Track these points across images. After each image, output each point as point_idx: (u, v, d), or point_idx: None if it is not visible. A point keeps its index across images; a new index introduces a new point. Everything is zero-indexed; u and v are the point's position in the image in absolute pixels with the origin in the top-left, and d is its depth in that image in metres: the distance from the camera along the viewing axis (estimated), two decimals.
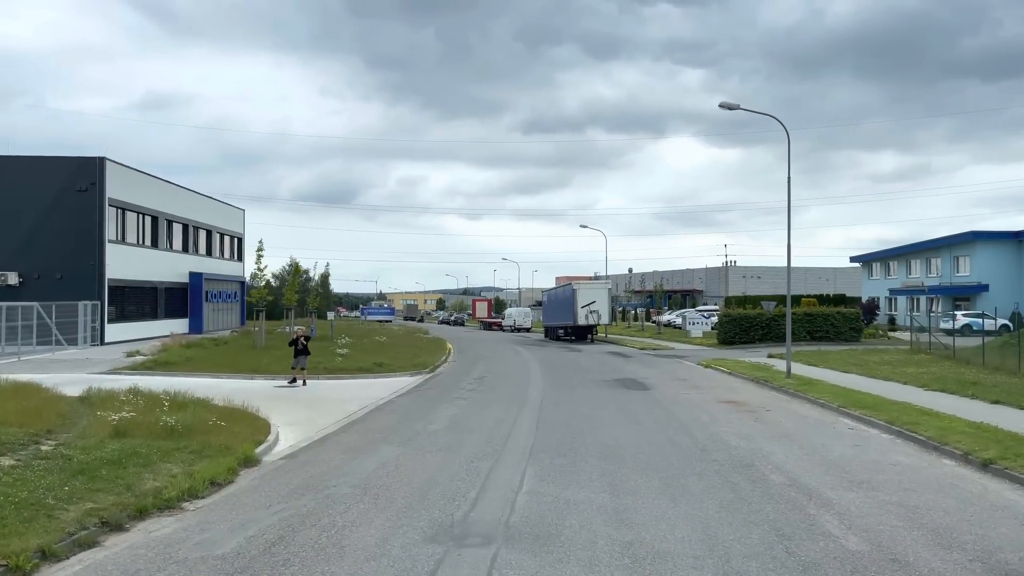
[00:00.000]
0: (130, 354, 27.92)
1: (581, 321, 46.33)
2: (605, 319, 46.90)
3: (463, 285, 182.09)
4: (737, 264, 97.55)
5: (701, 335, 46.99)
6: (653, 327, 59.76)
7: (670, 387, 21.34)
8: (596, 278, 51.09)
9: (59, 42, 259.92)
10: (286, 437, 13.56)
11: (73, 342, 31.59)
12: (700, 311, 56.37)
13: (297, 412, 16.62)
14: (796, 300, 54.74)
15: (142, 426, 11.95)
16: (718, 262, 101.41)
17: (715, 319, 48.89)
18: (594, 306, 46.35)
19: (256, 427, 13.35)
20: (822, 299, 57.83)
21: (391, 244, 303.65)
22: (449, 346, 41.25)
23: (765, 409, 16.81)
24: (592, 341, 47.91)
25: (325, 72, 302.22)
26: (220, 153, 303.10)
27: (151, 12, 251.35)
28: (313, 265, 71.13)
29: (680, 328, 55.85)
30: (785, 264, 24.25)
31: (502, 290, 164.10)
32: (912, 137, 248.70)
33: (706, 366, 28.02)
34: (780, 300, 46.70)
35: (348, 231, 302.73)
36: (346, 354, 28.81)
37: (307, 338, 22.79)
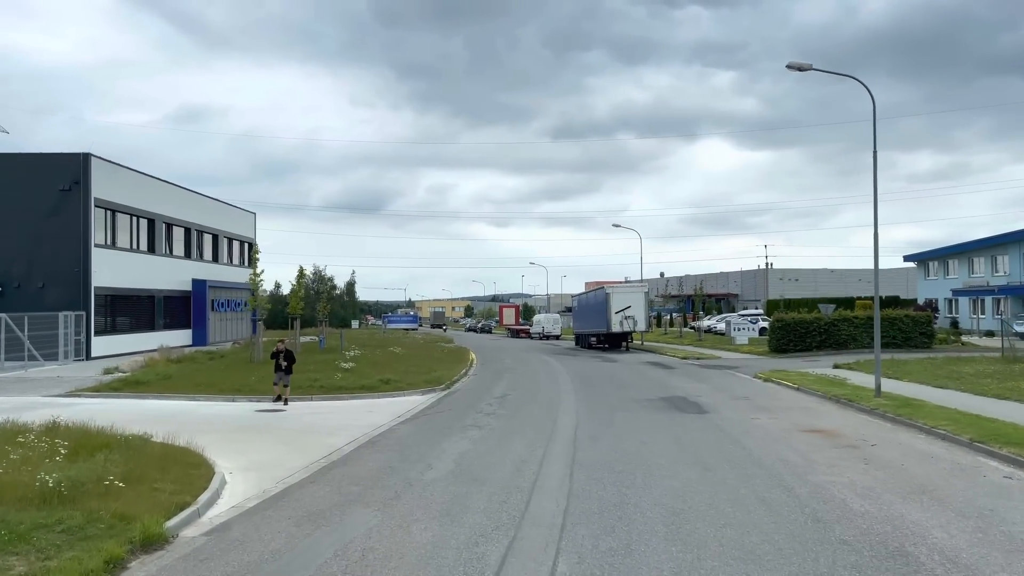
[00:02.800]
0: (108, 371, 24.71)
1: (615, 328, 42.51)
2: (642, 326, 43.02)
3: (491, 292, 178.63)
4: (773, 267, 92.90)
5: (747, 342, 42.90)
6: (692, 333, 55.66)
7: (732, 409, 17.49)
8: (628, 282, 47.26)
9: (96, 57, 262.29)
10: (233, 492, 10.03)
11: (53, 357, 28.52)
12: (743, 315, 52.20)
13: (265, 449, 13.10)
14: (851, 303, 50.39)
15: (14, 486, 8.46)
16: (753, 265, 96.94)
17: (762, 324, 44.77)
18: (629, 311, 42.50)
19: (189, 480, 9.81)
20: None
21: (420, 252, 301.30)
22: (472, 356, 37.75)
23: (868, 443, 12.92)
24: (627, 349, 44.07)
25: (355, 82, 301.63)
26: (252, 163, 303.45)
27: (184, 26, 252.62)
28: (324, 271, 68.14)
29: (722, 334, 51.75)
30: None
31: (530, 296, 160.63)
32: (950, 136, 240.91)
33: (765, 379, 24.08)
34: (834, 303, 42.53)
35: (377, 239, 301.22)
36: (351, 369, 25.34)
37: (289, 352, 19.35)
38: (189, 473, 10.15)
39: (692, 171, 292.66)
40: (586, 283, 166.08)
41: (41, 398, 19.34)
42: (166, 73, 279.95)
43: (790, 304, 49.36)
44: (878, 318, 18.86)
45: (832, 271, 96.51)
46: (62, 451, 9.98)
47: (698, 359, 34.60)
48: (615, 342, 45.05)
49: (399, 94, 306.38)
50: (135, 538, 7.44)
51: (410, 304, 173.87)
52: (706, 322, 56.30)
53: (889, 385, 18.97)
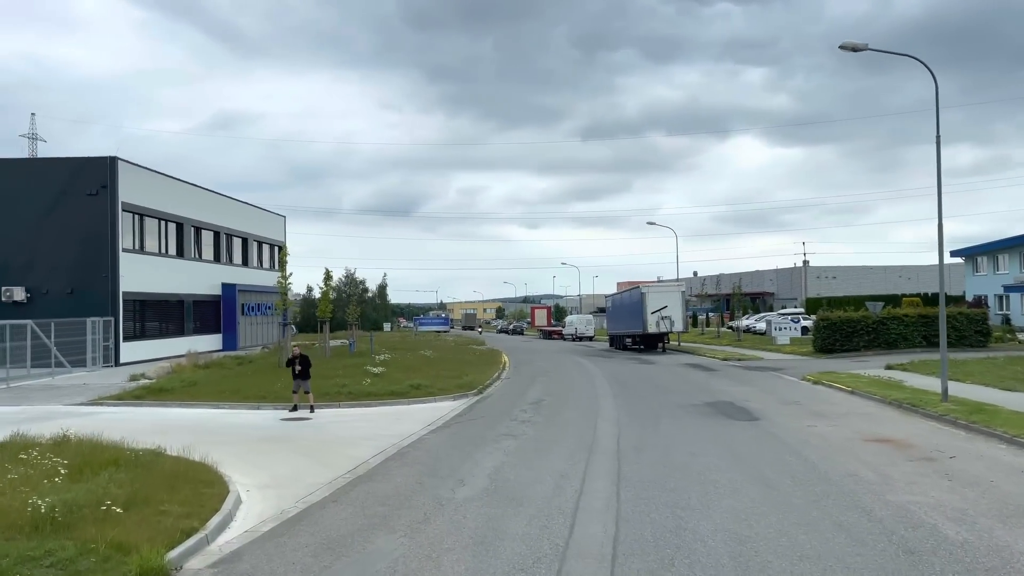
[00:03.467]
0: (134, 377, 24.22)
1: (651, 328, 41.24)
2: (679, 326, 41.71)
3: (522, 293, 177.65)
4: (809, 265, 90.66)
5: (788, 342, 41.37)
6: (730, 333, 54.13)
7: (785, 415, 16.31)
8: (664, 281, 46.00)
9: (134, 68, 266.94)
10: (248, 513, 9.19)
11: (81, 363, 28.15)
12: (784, 314, 50.59)
13: (286, 463, 12.27)
14: (895, 301, 48.58)
15: (3, 512, 7.68)
16: (787, 263, 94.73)
17: (804, 323, 43.22)
18: (666, 311, 41.21)
19: (200, 501, 8.98)
20: (923, 299, 51.38)
21: (451, 254, 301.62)
22: (504, 359, 36.84)
23: (944, 455, 11.71)
24: (664, 350, 42.80)
25: (386, 86, 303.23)
26: (285, 169, 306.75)
27: (219, 36, 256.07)
28: (355, 274, 67.33)
29: (761, 334, 50.18)
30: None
31: (562, 297, 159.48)
32: (990, 129, 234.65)
33: (814, 382, 22.79)
34: (882, 300, 40.84)
35: (409, 242, 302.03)
36: (380, 374, 24.53)
37: (305, 358, 18.54)
38: (201, 492, 9.31)
39: (724, 169, 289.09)
40: (618, 283, 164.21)
41: (62, 407, 18.79)
42: (202, 82, 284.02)
43: (833, 302, 47.64)
44: (943, 316, 17.56)
45: (871, 268, 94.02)
46: (62, 470, 9.18)
47: (739, 360, 33.29)
48: (651, 343, 43.82)
49: (429, 97, 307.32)
50: (131, 572, 6.60)
51: (441, 306, 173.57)
52: (744, 321, 54.70)
53: (952, 388, 17.64)
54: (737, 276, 79.12)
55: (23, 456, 9.96)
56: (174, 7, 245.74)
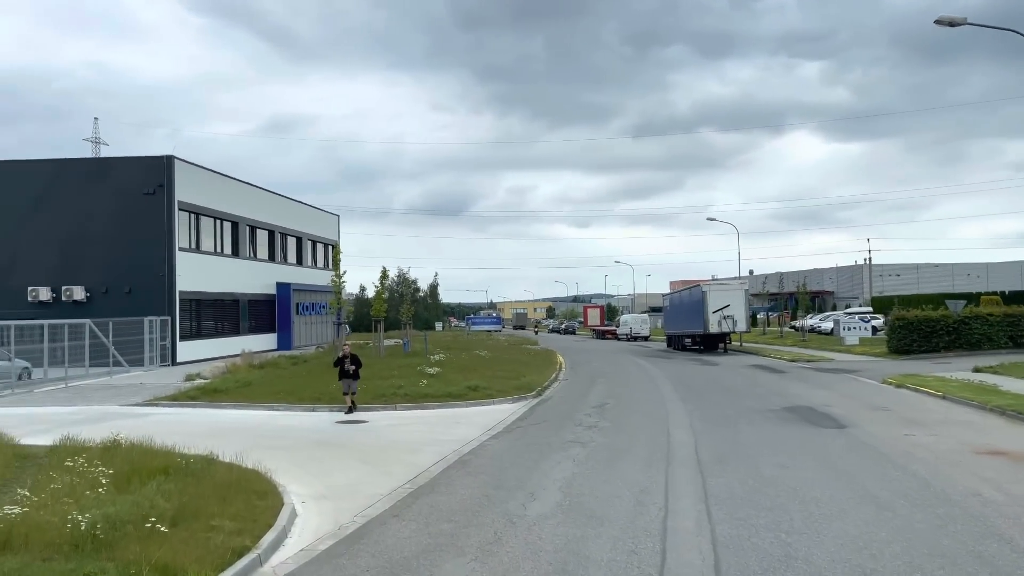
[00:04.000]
0: (189, 377, 23.99)
1: (713, 328, 39.81)
2: (742, 325, 40.21)
3: (572, 292, 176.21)
4: (872, 262, 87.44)
5: (857, 342, 39.57)
6: (794, 333, 52.21)
7: (875, 423, 15.04)
8: (726, 279, 44.43)
9: (194, 73, 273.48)
10: (304, 528, 8.47)
11: (139, 363, 28.14)
12: (850, 314, 48.56)
13: (344, 470, 11.58)
14: (972, 299, 46.15)
15: (42, 528, 7.06)
16: (845, 260, 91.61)
17: (874, 323, 41.31)
18: (728, 310, 39.76)
19: (253, 514, 8.29)
20: (1003, 298, 48.76)
21: (501, 254, 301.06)
22: (560, 359, 35.93)
23: None
24: (726, 351, 41.33)
25: (437, 88, 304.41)
26: (338, 170, 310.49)
27: (275, 40, 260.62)
28: (408, 273, 66.82)
29: (826, 334, 48.24)
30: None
31: (612, 296, 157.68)
32: None
33: (897, 385, 21.32)
34: (955, 298, 38.69)
35: (459, 241, 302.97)
36: (436, 374, 23.84)
37: (356, 357, 17.98)
38: (254, 505, 8.63)
39: (779, 165, 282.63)
40: (670, 282, 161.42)
41: (118, 407, 18.52)
42: (257, 86, 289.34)
43: (905, 301, 45.40)
44: None
45: (936, 265, 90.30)
46: (104, 481, 8.58)
47: (808, 361, 31.78)
48: (711, 343, 42.39)
49: (479, 98, 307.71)
50: None
51: (491, 306, 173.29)
52: (809, 321, 52.70)
53: None
54: (794, 274, 76.73)
55: (69, 463, 9.41)
56: (231, 13, 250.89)
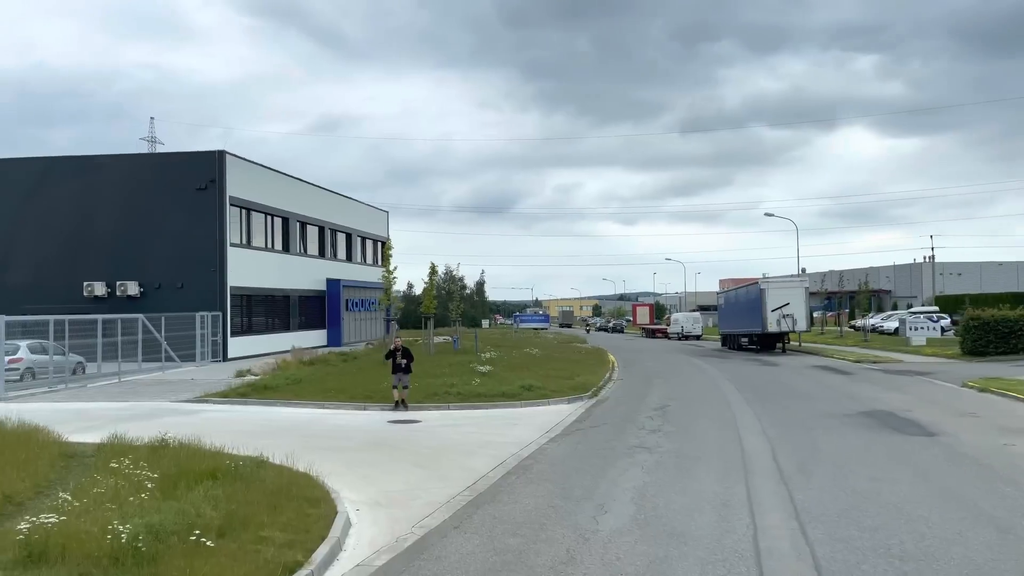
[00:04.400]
0: (240, 373, 23.75)
1: (772, 327, 38.43)
2: (802, 325, 38.75)
3: (619, 290, 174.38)
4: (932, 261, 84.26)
5: (924, 342, 37.88)
6: (853, 333, 50.36)
7: (966, 430, 13.90)
8: (781, 277, 42.86)
9: (245, 74, 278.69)
10: (359, 539, 7.87)
11: (190, 358, 28.10)
12: (916, 313, 46.60)
13: (398, 474, 10.97)
14: None
15: (80, 539, 6.52)
16: (901, 259, 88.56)
17: (942, 323, 39.47)
18: (787, 309, 38.32)
19: (305, 524, 7.70)
20: None
21: (547, 251, 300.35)
22: (611, 358, 35.06)
23: None
24: (784, 351, 39.93)
25: (484, 86, 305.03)
26: (386, 169, 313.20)
27: (325, 41, 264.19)
28: (457, 270, 65.87)
29: (890, 334, 46.43)
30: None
31: (660, 295, 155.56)
32: None
33: (980, 389, 19.98)
34: (1015, 298, 36.73)
35: (504, 239, 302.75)
36: (488, 372, 23.21)
37: (408, 350, 17.55)
38: (306, 514, 8.03)
39: (830, 162, 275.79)
40: (720, 280, 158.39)
41: (168, 403, 18.27)
42: (308, 86, 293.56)
43: (976, 300, 43.30)
44: None
45: (1001, 264, 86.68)
46: (149, 485, 8.09)
47: (875, 363, 30.35)
48: (769, 343, 40.99)
49: (526, 95, 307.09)
50: None
51: (537, 304, 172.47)
52: (871, 320, 50.79)
53: None
54: (849, 272, 74.31)
55: (114, 464, 8.95)
56: (281, 14, 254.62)
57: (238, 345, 31.36)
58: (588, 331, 69.17)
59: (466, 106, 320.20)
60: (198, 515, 7.10)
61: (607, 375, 26.43)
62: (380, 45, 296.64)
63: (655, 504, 9.00)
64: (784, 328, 38.79)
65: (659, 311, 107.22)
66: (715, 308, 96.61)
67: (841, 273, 68.81)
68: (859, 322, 52.24)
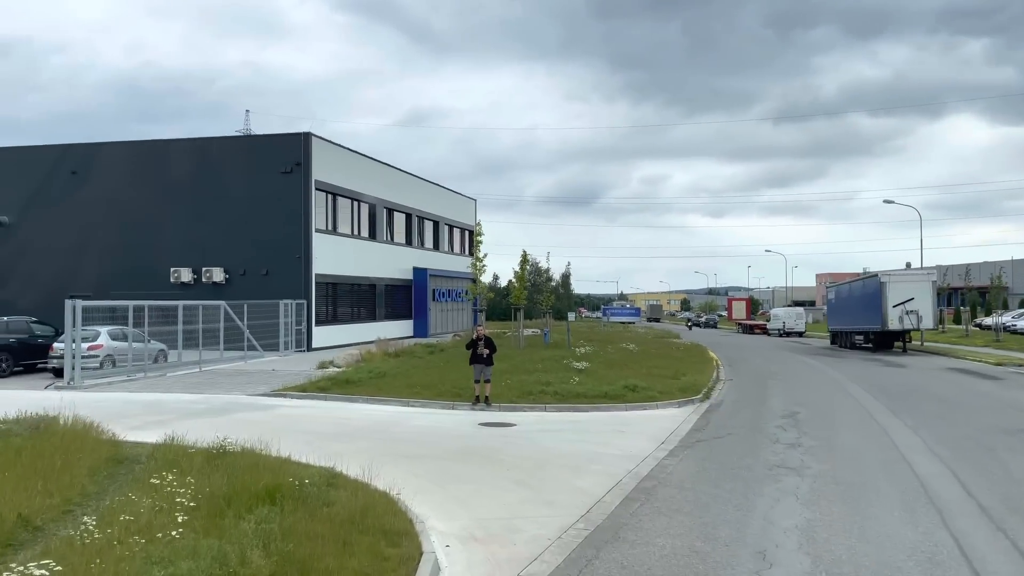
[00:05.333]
0: (322, 365, 22.53)
1: (893, 325, 34.95)
2: (928, 322, 35.12)
3: (711, 284, 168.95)
4: None
5: None
6: (981, 332, 45.85)
7: None
8: (887, 271, 38.88)
9: (338, 69, 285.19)
10: None
11: (274, 347, 27.17)
12: None
13: (493, 494, 9.11)
14: None
15: None
16: (1016, 253, 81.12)
17: None
18: (911, 305, 34.78)
19: (382, 570, 5.90)
20: None
21: (632, 244, 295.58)
22: (713, 355, 32.49)
23: None
24: (905, 351, 36.39)
25: (571, 78, 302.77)
26: (472, 161, 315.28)
27: (415, 36, 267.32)
28: (548, 262, 63.28)
29: (1022, 333, 41.94)
30: None
31: (751, 289, 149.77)
32: None
33: None
34: None
35: (590, 230, 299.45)
36: (585, 369, 21.18)
37: (490, 340, 15.89)
38: (384, 555, 6.24)
39: (935, 151, 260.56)
40: (817, 275, 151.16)
41: (244, 397, 17.03)
42: (398, 80, 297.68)
43: None
44: None
45: None
46: (191, 506, 6.43)
47: (1019, 366, 26.82)
48: (886, 342, 37.48)
49: (613, 86, 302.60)
50: None
51: (622, 297, 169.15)
52: (1003, 318, 46.13)
53: None
54: (959, 267, 68.50)
55: (155, 480, 7.40)
56: (374, 10, 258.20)
57: (323, 334, 30.34)
58: (691, 327, 63.12)
59: (553, 98, 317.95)
60: (242, 563, 5.37)
61: (714, 374, 24.06)
62: (468, 38, 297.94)
63: (835, 556, 6.82)
64: (907, 326, 35.25)
65: (754, 306, 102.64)
66: (809, 304, 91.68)
67: (968, 267, 63.41)
68: (989, 320, 47.62)
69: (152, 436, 10.87)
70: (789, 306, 74.11)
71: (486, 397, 15.98)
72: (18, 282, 30.63)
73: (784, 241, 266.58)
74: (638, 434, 13.47)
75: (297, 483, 7.68)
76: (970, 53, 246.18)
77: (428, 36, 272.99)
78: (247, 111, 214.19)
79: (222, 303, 24.03)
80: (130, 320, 19.92)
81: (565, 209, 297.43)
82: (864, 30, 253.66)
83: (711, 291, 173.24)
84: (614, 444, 12.44)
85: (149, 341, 21.93)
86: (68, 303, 18.27)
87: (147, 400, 16.19)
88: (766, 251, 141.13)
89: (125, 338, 21.01)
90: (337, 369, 21.48)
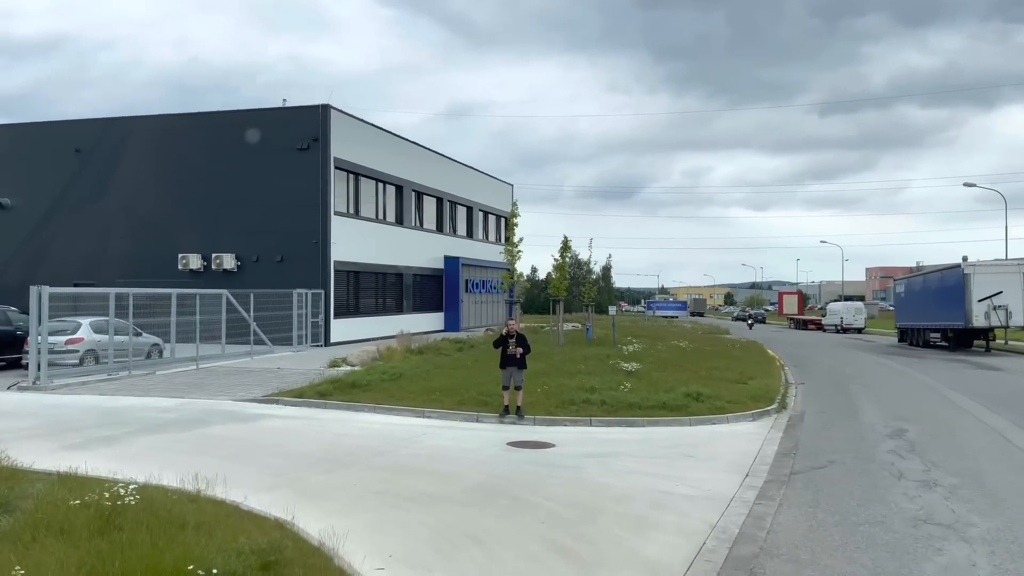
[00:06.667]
0: (334, 363, 19.81)
1: (978, 321, 31.15)
2: (1019, 319, 31.20)
3: (758, 277, 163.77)
4: None
5: None
6: None
7: None
8: (970, 262, 34.79)
9: (381, 63, 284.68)
10: None
11: (286, 341, 24.55)
12: None
13: (519, 567, 6.14)
14: None
15: None
16: None
17: None
18: (999, 299, 30.97)
19: None
20: None
21: (673, 237, 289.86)
22: (772, 353, 29.21)
23: None
24: (988, 350, 32.61)
25: (613, 69, 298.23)
26: (511, 154, 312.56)
27: (456, 28, 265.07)
28: (591, 255, 60.03)
29: None
30: None
31: (797, 284, 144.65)
32: None
33: None
34: None
35: (630, 223, 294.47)
36: (635, 371, 18.09)
37: (523, 337, 12.97)
38: None
39: (989, 142, 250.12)
40: (867, 269, 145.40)
41: (229, 403, 14.29)
42: (439, 73, 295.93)
43: None
44: None
45: None
46: None
47: None
48: (966, 340, 33.69)
49: (656, 77, 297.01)
50: None
51: (663, 290, 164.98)
52: None
53: None
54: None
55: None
56: (416, 3, 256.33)
57: (342, 328, 27.67)
58: (751, 325, 54.73)
59: (594, 90, 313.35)
60: None
61: (783, 377, 20.85)
62: (509, 30, 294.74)
63: None
64: (993, 322, 31.43)
65: (804, 300, 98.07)
66: (858, 299, 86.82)
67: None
68: None
69: (85, 460, 8.20)
70: (845, 299, 69.84)
71: (518, 407, 13.07)
72: (18, 268, 28.48)
73: (829, 235, 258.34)
74: (712, 459, 10.46)
75: (221, 562, 4.80)
76: None
77: (469, 28, 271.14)
78: (283, 100, 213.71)
79: (224, 292, 21.40)
80: (111, 310, 17.36)
81: (605, 202, 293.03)
82: (915, 18, 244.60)
83: (754, 285, 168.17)
84: (684, 477, 9.41)
85: (140, 334, 19.43)
86: (33, 290, 15.69)
87: (111, 407, 13.56)
88: (821, 242, 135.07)
89: (116, 330, 18.50)
90: (350, 368, 18.75)
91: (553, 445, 11.25)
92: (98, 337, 18.24)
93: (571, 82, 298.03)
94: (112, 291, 17.54)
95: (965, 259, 33.59)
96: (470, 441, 11.51)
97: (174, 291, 19.46)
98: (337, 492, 8.15)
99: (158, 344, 20.35)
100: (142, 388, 15.87)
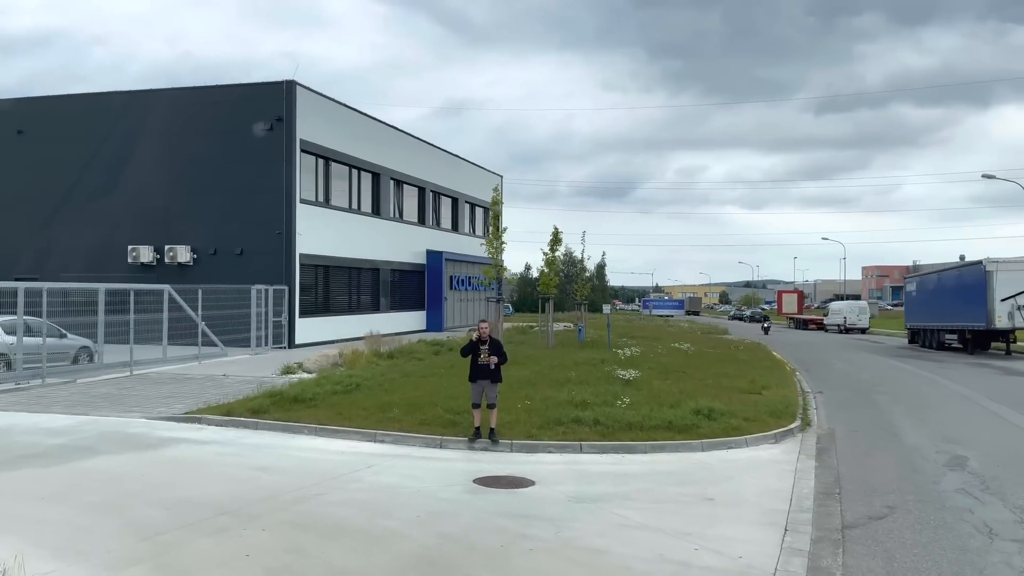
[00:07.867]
0: (287, 369, 17.29)
1: (1001, 322, 28.85)
2: None
3: (754, 276, 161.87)
4: None
5: None
6: None
7: None
8: (992, 259, 32.41)
9: (375, 60, 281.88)
10: None
11: (244, 343, 22.03)
12: None
13: None
14: None
15: None
16: None
17: None
18: (1022, 299, 28.69)
19: None
20: None
21: (667, 235, 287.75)
22: (779, 356, 26.85)
23: None
24: (1008, 352, 30.39)
25: (608, 67, 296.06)
26: (507, 152, 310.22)
27: (452, 26, 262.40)
28: (584, 252, 57.41)
29: None
30: None
31: (792, 283, 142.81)
32: None
33: None
34: None
35: (624, 221, 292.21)
36: (634, 380, 15.64)
37: (497, 344, 10.54)
38: None
39: (983, 142, 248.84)
40: (863, 267, 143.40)
41: (140, 421, 11.76)
42: (434, 71, 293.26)
43: None
44: None
45: None
46: None
47: None
48: (983, 342, 31.45)
49: (651, 76, 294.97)
50: None
51: (658, 289, 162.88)
52: None
53: None
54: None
55: None
56: (412, 0, 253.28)
57: (309, 328, 25.12)
58: (767, 330, 48.30)
59: (589, 88, 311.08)
60: None
61: (796, 387, 18.46)
62: (505, 28, 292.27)
63: None
64: (1018, 323, 29.16)
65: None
66: (854, 298, 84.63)
67: None
68: None
69: None
70: (846, 298, 67.58)
71: (491, 429, 10.62)
72: None
73: (824, 233, 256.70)
74: (737, 505, 8.06)
75: None
76: (1021, 41, 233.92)
77: (465, 26, 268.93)
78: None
79: (166, 287, 18.83)
80: (19, 308, 14.78)
81: (599, 201, 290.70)
82: (910, 17, 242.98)
83: (748, 284, 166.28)
84: (705, 535, 6.98)
85: (64, 336, 16.90)
86: None
87: None
88: (823, 239, 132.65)
89: (31, 331, 15.98)
90: (306, 375, 16.25)
91: (532, 483, 8.80)
92: (11, 340, 15.68)
93: (566, 80, 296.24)
94: (21, 285, 15.00)
95: (963, 258, 31.37)
96: (426, 477, 9.04)
97: (102, 286, 16.88)
98: (216, 572, 5.68)
99: (88, 347, 17.82)
100: (46, 402, 13.31)
